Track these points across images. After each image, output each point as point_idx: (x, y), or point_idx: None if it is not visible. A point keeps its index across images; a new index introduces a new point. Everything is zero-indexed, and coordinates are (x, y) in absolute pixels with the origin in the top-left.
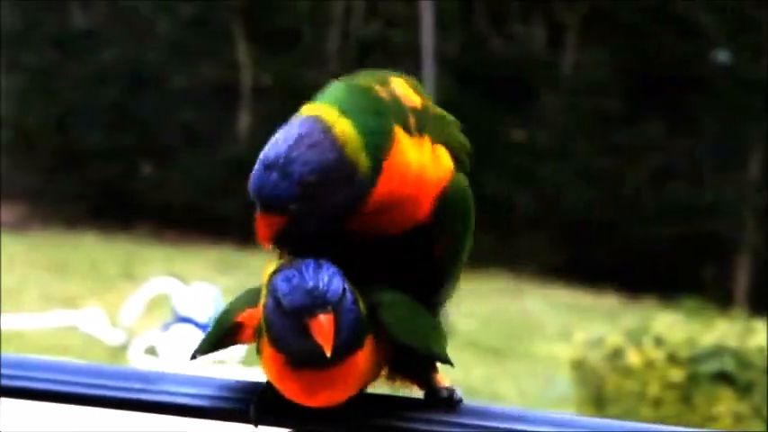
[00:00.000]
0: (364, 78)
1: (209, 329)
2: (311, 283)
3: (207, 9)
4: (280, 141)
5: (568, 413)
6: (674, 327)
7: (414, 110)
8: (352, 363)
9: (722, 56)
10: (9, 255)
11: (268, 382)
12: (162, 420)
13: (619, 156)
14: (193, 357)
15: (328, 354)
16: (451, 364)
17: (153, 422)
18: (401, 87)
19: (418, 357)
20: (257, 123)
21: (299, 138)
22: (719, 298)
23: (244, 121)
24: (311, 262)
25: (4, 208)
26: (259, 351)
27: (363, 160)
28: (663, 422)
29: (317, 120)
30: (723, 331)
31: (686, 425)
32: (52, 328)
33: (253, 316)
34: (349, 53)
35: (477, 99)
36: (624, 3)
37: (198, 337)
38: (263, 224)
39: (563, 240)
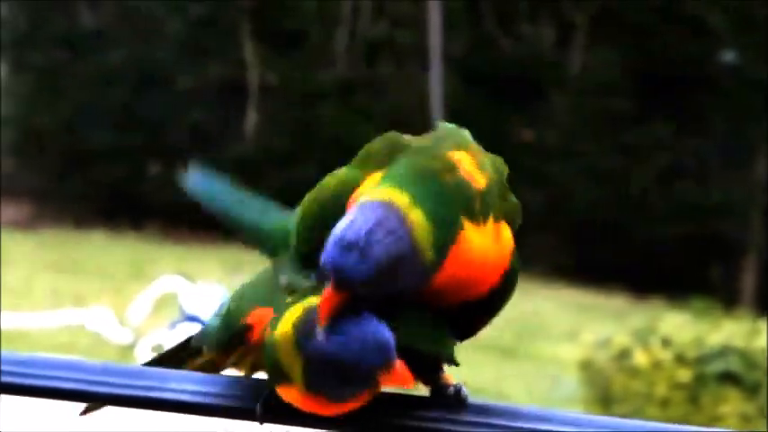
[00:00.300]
0: (430, 158)
1: (217, 327)
2: (373, 338)
3: (215, 9)
4: (358, 223)
5: (574, 412)
6: (681, 327)
7: (479, 192)
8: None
9: (729, 56)
10: (17, 253)
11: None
12: (168, 418)
13: (626, 156)
14: (199, 352)
15: (412, 385)
16: (457, 363)
17: (159, 420)
18: (467, 165)
19: (424, 358)
20: (265, 123)
21: (378, 223)
22: (726, 298)
23: (251, 120)
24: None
25: (13, 207)
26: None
27: (430, 250)
28: (670, 422)
29: (391, 206)
30: (730, 332)
31: (693, 425)
32: (60, 326)
33: (263, 317)
34: (356, 53)
35: (484, 99)
36: (632, 3)
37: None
38: (330, 299)
39: (571, 240)
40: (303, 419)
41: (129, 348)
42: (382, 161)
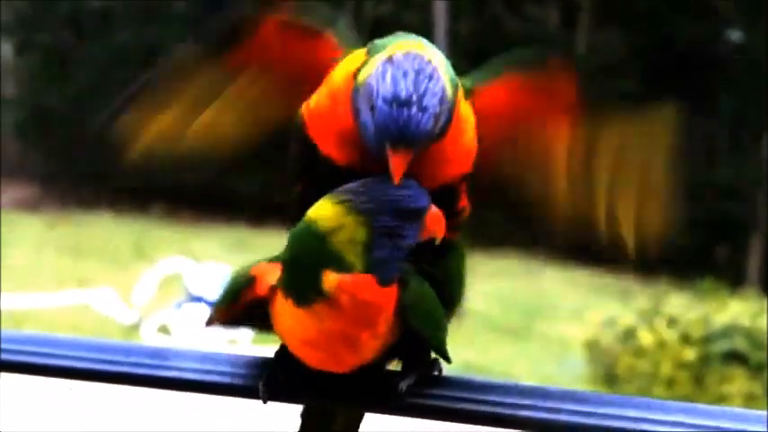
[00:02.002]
0: (400, 38)
1: (225, 285)
2: (415, 185)
3: None
4: (399, 78)
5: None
6: (686, 307)
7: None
8: (391, 300)
9: (735, 35)
10: (23, 234)
11: (277, 359)
12: (173, 396)
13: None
14: (211, 320)
15: (439, 239)
16: (449, 360)
17: (164, 398)
18: (426, 46)
19: (419, 343)
20: None
21: (417, 73)
22: (732, 278)
23: None
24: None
25: (18, 188)
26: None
27: (450, 87)
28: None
29: (417, 55)
30: (735, 311)
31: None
32: (65, 307)
33: (267, 269)
34: (361, 33)
35: None
36: None
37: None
38: (401, 161)
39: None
40: (305, 396)
41: (135, 328)
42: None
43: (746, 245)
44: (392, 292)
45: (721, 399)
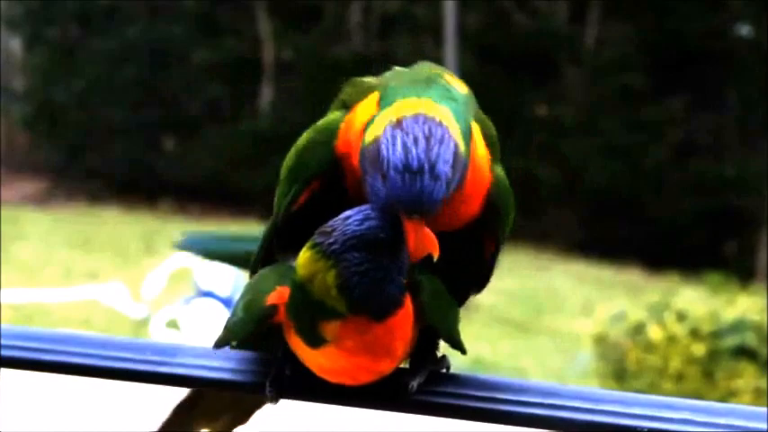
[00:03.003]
0: (415, 74)
1: (240, 316)
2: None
3: None
4: (410, 145)
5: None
6: (695, 302)
7: (465, 95)
8: (407, 314)
9: (744, 29)
10: (32, 229)
11: (284, 356)
12: (180, 393)
13: (641, 131)
14: (226, 343)
15: (435, 255)
16: (465, 352)
17: (171, 395)
18: (446, 75)
19: (429, 339)
20: (280, 98)
21: (427, 138)
22: (742, 273)
23: (266, 95)
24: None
25: (27, 183)
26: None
27: (463, 144)
28: (684, 397)
29: (426, 117)
30: (745, 306)
31: (707, 400)
32: (74, 302)
33: (283, 294)
34: (371, 28)
35: (499, 75)
36: None
37: (219, 310)
38: (416, 230)
39: (586, 216)
40: (313, 395)
41: (144, 323)
42: (362, 95)
43: (756, 239)
44: (404, 315)
45: (731, 394)
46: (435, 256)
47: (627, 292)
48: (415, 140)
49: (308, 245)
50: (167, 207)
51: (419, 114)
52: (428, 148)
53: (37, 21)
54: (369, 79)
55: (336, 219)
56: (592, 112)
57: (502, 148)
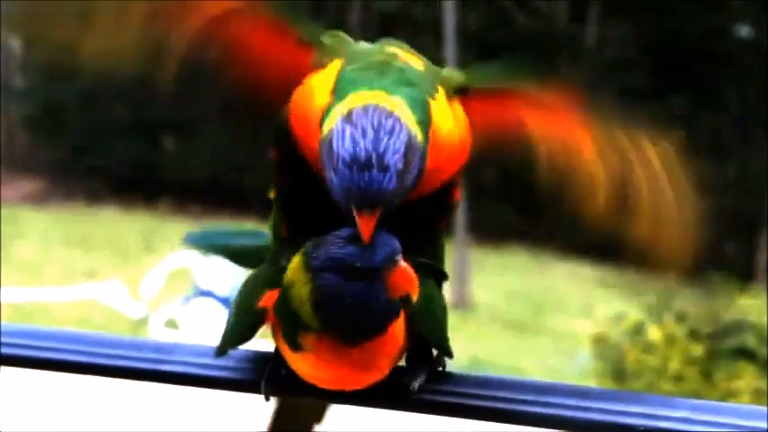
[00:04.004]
0: (369, 55)
1: (233, 320)
2: (380, 238)
3: None
4: (357, 137)
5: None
6: (695, 303)
7: (421, 72)
8: (393, 334)
9: (744, 30)
10: (31, 228)
11: (278, 355)
12: (177, 391)
13: (641, 130)
14: (223, 352)
15: (415, 297)
16: (452, 356)
17: (168, 392)
18: (401, 54)
19: (425, 344)
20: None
21: (376, 129)
22: (741, 274)
23: None
24: (350, 228)
25: (26, 182)
26: (282, 335)
27: (420, 132)
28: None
29: (377, 107)
30: (744, 307)
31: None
32: (73, 301)
33: (272, 297)
34: (370, 27)
35: None
36: None
37: (218, 310)
38: (367, 223)
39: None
40: (307, 393)
41: (143, 322)
42: (334, 55)
43: (756, 240)
44: (390, 333)
45: (730, 395)
46: (414, 298)
47: (626, 292)
48: (363, 132)
49: (302, 250)
50: (167, 206)
51: (369, 105)
52: (376, 140)
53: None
54: (345, 38)
55: (334, 233)
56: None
57: None
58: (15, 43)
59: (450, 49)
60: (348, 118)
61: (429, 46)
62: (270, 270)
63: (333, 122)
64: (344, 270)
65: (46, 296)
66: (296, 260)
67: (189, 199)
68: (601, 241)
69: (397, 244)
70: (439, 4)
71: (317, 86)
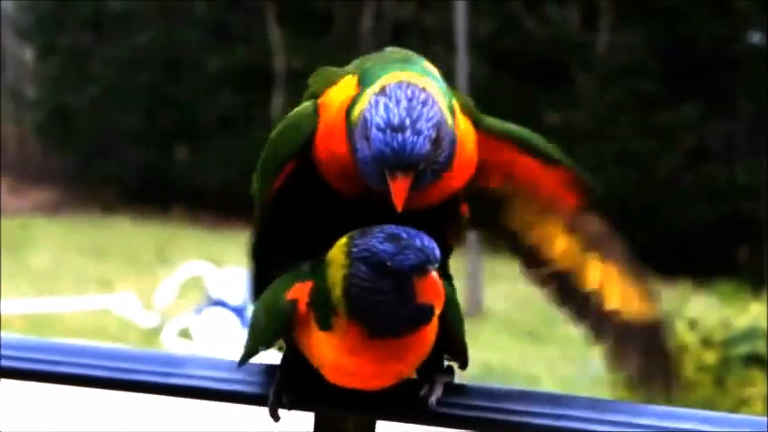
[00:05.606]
0: (390, 53)
1: (262, 321)
2: (419, 243)
3: None
4: (392, 106)
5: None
6: (707, 310)
7: (440, 75)
8: (423, 337)
9: (756, 37)
10: (44, 237)
11: (287, 368)
12: (188, 404)
13: (653, 137)
14: (251, 356)
15: (438, 311)
16: (466, 366)
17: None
18: (423, 60)
19: (441, 349)
20: (291, 106)
21: (410, 99)
22: (754, 281)
23: (277, 104)
24: (399, 227)
25: (40, 191)
26: (320, 325)
27: (449, 115)
28: (696, 405)
29: (409, 84)
30: (757, 314)
31: (719, 407)
32: (86, 311)
33: (303, 289)
34: (382, 35)
35: (511, 82)
36: None
37: (231, 320)
38: (401, 186)
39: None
40: (316, 405)
41: (156, 332)
42: (331, 83)
43: (767, 246)
44: (421, 338)
45: (742, 402)
46: (438, 311)
47: None
48: (398, 102)
49: (351, 233)
50: (180, 215)
51: (403, 81)
52: (410, 108)
53: (49, 28)
54: (335, 69)
55: (381, 226)
56: (603, 119)
57: None
58: (27, 53)
59: (461, 56)
60: (381, 92)
61: (440, 53)
62: (294, 271)
63: (365, 102)
64: (376, 265)
65: (59, 306)
66: (342, 241)
67: (202, 208)
68: None
69: (436, 253)
70: (450, 11)
71: (335, 94)
